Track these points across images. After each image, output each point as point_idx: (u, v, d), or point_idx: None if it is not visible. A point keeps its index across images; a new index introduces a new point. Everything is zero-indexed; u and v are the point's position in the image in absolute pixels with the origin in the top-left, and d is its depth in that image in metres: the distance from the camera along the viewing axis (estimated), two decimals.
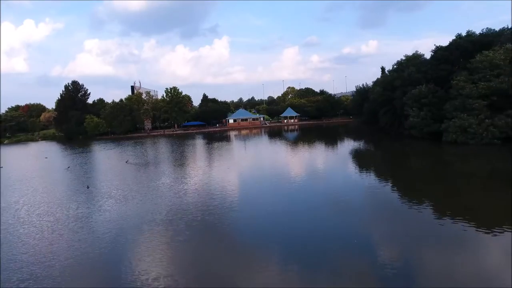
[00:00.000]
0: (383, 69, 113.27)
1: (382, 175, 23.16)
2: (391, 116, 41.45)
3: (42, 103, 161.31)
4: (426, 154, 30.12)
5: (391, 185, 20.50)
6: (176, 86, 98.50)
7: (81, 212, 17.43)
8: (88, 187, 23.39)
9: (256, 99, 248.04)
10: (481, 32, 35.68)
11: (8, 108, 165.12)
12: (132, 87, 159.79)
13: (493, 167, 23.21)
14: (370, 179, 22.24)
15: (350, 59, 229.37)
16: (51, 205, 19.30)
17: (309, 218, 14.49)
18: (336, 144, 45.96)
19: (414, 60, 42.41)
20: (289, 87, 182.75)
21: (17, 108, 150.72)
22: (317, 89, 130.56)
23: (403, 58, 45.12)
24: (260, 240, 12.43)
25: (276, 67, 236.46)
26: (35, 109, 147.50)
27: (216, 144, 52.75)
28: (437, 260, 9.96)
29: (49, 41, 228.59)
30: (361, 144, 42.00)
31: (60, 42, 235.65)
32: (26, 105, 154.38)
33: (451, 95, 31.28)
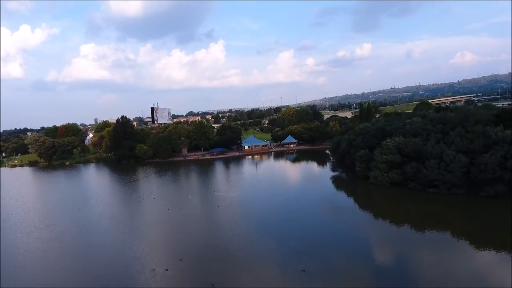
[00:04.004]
0: (361, 104, 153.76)
1: (341, 191, 61.12)
2: (351, 162, 77.35)
3: (40, 107, 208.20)
4: (361, 186, 66.55)
5: (346, 197, 57.69)
6: (203, 120, 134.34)
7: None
8: (215, 192, 58.88)
9: (254, 107, 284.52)
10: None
11: (47, 129, 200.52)
12: (152, 108, 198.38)
13: (386, 194, 59.82)
14: (334, 192, 60.11)
15: (345, 62, 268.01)
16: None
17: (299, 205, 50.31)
18: (322, 165, 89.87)
19: (365, 129, 78.59)
20: (287, 108, 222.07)
21: (55, 129, 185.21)
22: (312, 93, 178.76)
23: (361, 126, 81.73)
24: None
25: (271, 70, 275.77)
26: (71, 129, 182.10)
27: (249, 167, 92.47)
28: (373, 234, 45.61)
29: (45, 46, 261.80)
30: (335, 174, 79.38)
31: (56, 47, 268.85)
32: (63, 126, 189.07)
33: (374, 158, 67.33)
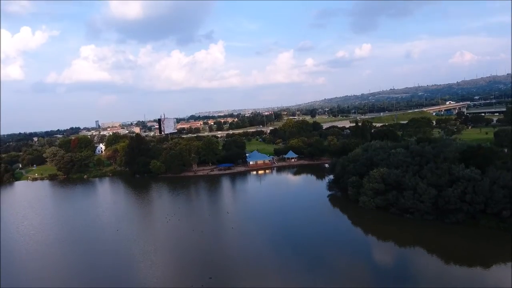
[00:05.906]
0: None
1: (337, 209, 78.00)
2: (344, 185, 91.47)
3: (40, 109, 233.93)
4: (352, 209, 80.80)
5: (341, 214, 72.73)
6: (210, 136, 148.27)
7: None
8: (227, 213, 73.42)
9: (254, 108, 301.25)
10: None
11: (60, 139, 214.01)
12: (159, 120, 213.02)
13: (372, 216, 74.14)
14: (331, 210, 75.79)
15: (344, 62, 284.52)
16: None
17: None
18: (320, 180, 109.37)
19: (356, 156, 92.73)
20: (288, 119, 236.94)
21: (68, 140, 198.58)
22: (312, 93, 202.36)
23: (353, 153, 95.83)
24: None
25: (271, 71, 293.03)
26: (83, 141, 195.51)
27: (255, 184, 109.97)
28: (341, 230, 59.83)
29: (45, 48, 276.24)
30: (331, 193, 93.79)
31: (56, 49, 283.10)
32: (76, 138, 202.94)
33: (363, 185, 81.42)
